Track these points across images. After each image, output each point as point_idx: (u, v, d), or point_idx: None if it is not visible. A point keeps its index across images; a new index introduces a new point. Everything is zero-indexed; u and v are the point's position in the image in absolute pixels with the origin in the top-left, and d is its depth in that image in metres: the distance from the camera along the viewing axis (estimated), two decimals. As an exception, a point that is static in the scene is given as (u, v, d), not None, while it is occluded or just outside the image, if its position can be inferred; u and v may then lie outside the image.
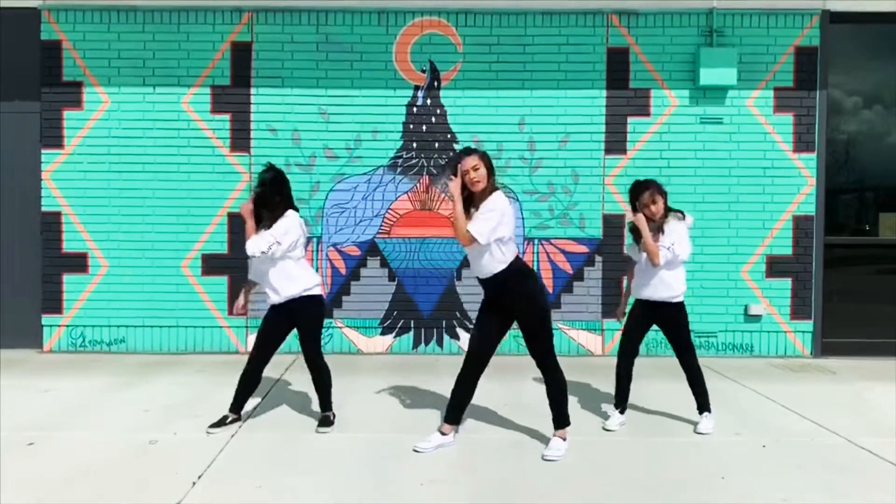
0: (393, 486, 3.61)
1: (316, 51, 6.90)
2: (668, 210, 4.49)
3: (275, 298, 4.39)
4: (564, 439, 4.10)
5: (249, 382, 4.53)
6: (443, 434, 4.18)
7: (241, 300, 4.75)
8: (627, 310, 4.79)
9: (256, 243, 4.26)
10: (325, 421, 4.49)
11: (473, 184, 3.96)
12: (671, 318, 4.54)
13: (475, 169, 3.95)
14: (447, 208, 6.81)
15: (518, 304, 4.06)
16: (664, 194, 4.48)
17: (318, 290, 4.48)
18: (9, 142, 6.91)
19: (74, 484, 3.58)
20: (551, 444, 4.07)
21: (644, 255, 4.49)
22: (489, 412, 4.86)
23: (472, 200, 4.04)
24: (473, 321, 4.31)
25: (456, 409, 4.22)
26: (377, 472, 3.79)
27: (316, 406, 4.69)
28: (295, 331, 4.52)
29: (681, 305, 4.54)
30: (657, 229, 4.44)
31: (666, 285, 4.45)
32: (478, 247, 3.96)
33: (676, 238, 4.39)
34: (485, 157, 4.01)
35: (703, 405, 4.58)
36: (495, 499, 3.48)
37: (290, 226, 4.34)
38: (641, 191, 4.47)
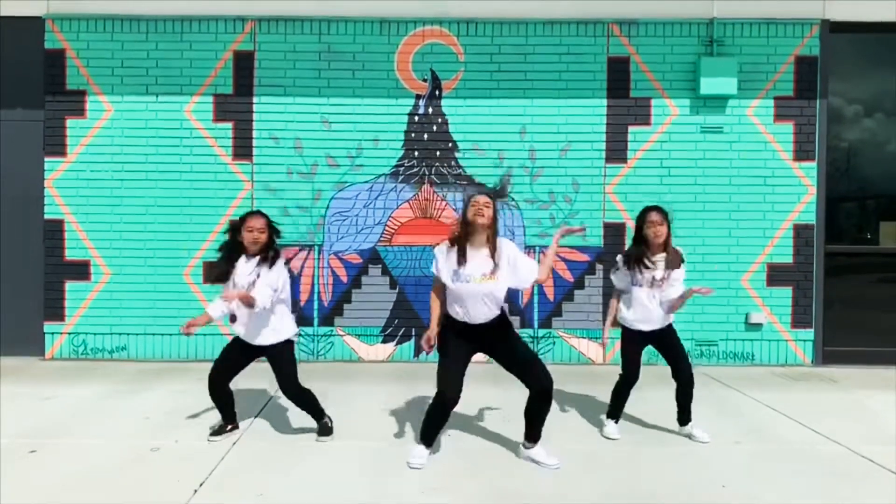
0: (393, 495, 3.61)
1: (318, 60, 6.94)
2: (670, 238, 4.49)
3: (248, 340, 4.28)
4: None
5: (220, 394, 4.41)
6: (427, 447, 4.15)
7: (198, 322, 4.13)
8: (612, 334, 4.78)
9: (262, 300, 4.09)
10: (325, 429, 4.50)
11: (481, 214, 3.95)
12: (672, 335, 4.56)
13: (486, 206, 3.98)
14: (448, 217, 6.86)
15: (503, 337, 4.06)
16: (668, 219, 4.46)
17: (293, 337, 4.44)
18: (12, 149, 6.95)
19: (76, 491, 3.59)
20: (547, 454, 4.08)
21: (639, 288, 4.46)
22: (489, 419, 4.87)
23: (468, 236, 4.00)
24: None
25: (430, 437, 4.14)
26: (377, 480, 3.80)
27: (317, 414, 4.69)
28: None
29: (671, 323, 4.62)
30: (669, 264, 4.42)
31: (666, 316, 4.51)
32: (502, 287, 3.98)
33: (681, 278, 4.46)
34: (495, 204, 4.06)
35: (690, 415, 4.60)
36: (496, 507, 3.48)
37: (280, 270, 4.26)
38: (645, 213, 4.48)
